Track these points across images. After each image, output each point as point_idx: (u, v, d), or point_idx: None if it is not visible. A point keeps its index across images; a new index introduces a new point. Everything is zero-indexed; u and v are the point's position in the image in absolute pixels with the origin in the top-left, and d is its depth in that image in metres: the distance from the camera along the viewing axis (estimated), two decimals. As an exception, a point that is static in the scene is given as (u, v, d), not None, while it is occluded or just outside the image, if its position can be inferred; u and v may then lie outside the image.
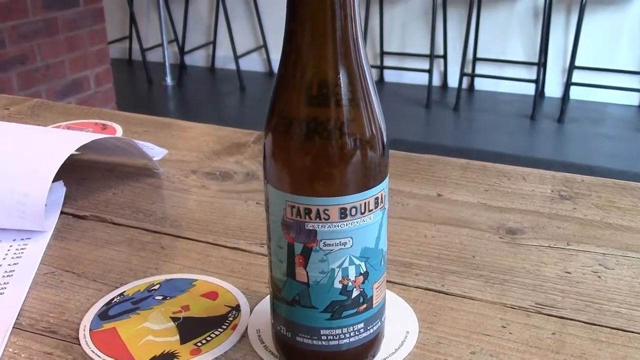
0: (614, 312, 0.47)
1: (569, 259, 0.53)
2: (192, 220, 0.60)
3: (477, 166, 0.70)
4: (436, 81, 3.72)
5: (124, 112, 0.90)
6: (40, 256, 0.55)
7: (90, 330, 0.45)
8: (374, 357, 0.42)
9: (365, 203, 0.36)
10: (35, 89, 2.49)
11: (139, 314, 0.47)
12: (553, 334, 0.44)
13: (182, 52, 4.15)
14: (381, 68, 3.85)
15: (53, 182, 0.58)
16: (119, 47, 4.33)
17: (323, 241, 0.36)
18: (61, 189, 0.65)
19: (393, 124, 2.95)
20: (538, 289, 0.49)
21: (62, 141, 0.62)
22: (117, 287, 0.50)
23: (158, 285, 0.50)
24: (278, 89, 0.36)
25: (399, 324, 0.45)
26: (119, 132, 0.81)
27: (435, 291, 0.49)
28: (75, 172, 0.70)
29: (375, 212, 0.37)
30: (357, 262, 0.37)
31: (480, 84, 3.69)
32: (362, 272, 0.38)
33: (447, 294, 0.49)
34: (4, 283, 0.51)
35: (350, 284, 0.38)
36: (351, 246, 0.37)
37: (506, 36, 3.58)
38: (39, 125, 0.82)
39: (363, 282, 0.38)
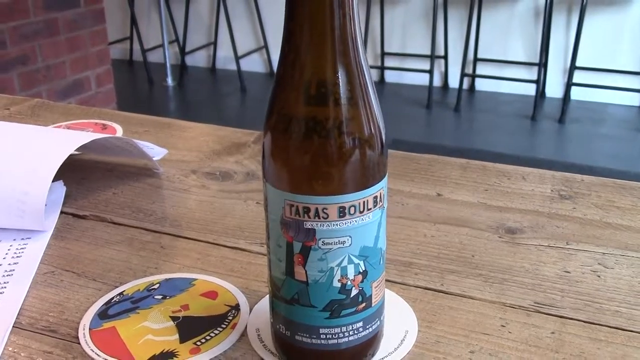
0: (613, 311, 0.47)
1: (569, 258, 0.53)
2: (192, 220, 0.60)
3: (477, 166, 0.70)
4: (437, 82, 3.72)
5: (125, 112, 0.90)
6: (40, 256, 0.55)
7: (89, 329, 0.45)
8: (373, 356, 0.42)
9: (364, 202, 0.36)
10: (36, 89, 2.49)
11: (138, 313, 0.47)
12: (552, 333, 0.44)
13: (182, 52, 4.15)
14: (382, 68, 3.85)
15: (53, 181, 0.58)
16: (120, 48, 4.34)
17: (322, 240, 0.36)
18: (61, 188, 0.65)
19: (394, 124, 2.96)
20: (537, 288, 0.49)
21: (62, 141, 0.63)
22: (116, 287, 0.50)
23: (158, 285, 0.50)
24: (277, 88, 0.36)
25: (398, 323, 0.45)
26: (119, 132, 0.81)
27: (435, 290, 0.49)
28: (75, 172, 0.70)
29: (374, 211, 0.37)
30: (356, 261, 0.37)
31: (481, 85, 3.70)
32: (361, 271, 0.38)
33: (446, 293, 0.49)
34: (4, 282, 0.51)
35: (349, 282, 0.38)
36: (350, 245, 0.37)
37: (507, 37, 3.58)
38: (39, 125, 0.82)
39: (362, 281, 0.38)
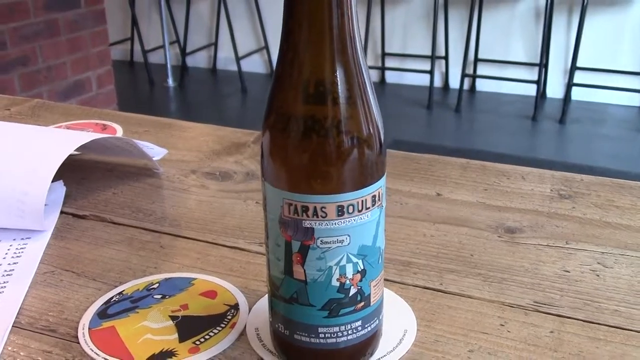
0: (612, 310, 0.47)
1: (568, 257, 0.53)
2: (192, 220, 0.60)
3: (477, 165, 0.70)
4: (437, 82, 3.72)
5: (125, 112, 0.90)
6: (40, 255, 0.55)
7: (89, 328, 0.45)
8: (371, 355, 0.42)
9: (362, 201, 0.36)
10: (36, 90, 2.49)
11: (137, 312, 0.47)
12: (551, 332, 0.44)
13: (183, 53, 4.15)
14: (382, 69, 3.86)
15: (53, 181, 0.58)
16: (121, 49, 4.34)
17: (320, 239, 0.36)
18: (61, 188, 0.65)
19: (394, 125, 2.96)
20: (536, 288, 0.49)
21: (62, 141, 0.63)
22: (116, 286, 0.50)
23: (157, 284, 0.50)
24: (276, 86, 0.36)
25: (397, 322, 0.45)
26: (119, 132, 0.82)
27: (434, 290, 0.49)
28: (75, 172, 0.70)
29: (372, 210, 0.37)
30: (354, 260, 0.37)
31: (481, 85, 3.70)
32: (360, 270, 0.38)
33: (445, 293, 0.49)
34: (4, 282, 0.51)
35: (347, 281, 0.38)
36: (348, 244, 0.37)
37: (507, 37, 3.58)
38: (39, 125, 0.82)
39: (360, 280, 0.38)
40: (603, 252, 0.54)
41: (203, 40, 4.25)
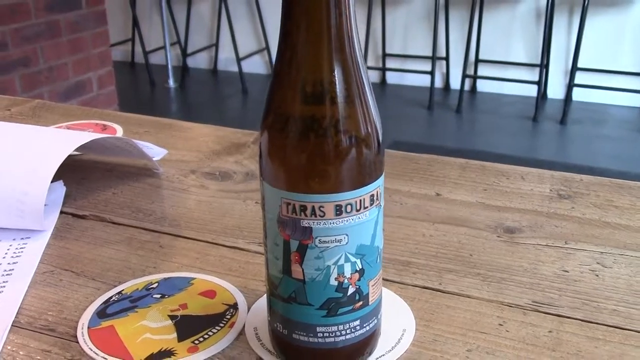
0: (611, 310, 0.47)
1: (567, 257, 0.53)
2: (191, 220, 0.60)
3: (476, 166, 0.70)
4: (438, 83, 3.72)
5: (125, 113, 0.90)
6: (39, 255, 0.55)
7: (88, 328, 0.45)
8: (370, 354, 0.42)
9: (360, 200, 0.36)
10: (38, 91, 2.49)
11: (137, 312, 0.47)
12: (550, 331, 0.44)
13: (184, 54, 4.16)
14: (383, 70, 3.86)
15: (53, 181, 0.58)
16: (122, 50, 4.35)
17: (318, 238, 0.36)
18: (61, 188, 0.66)
19: (395, 125, 2.96)
20: (535, 287, 0.49)
21: (61, 141, 0.63)
22: (115, 286, 0.50)
23: (156, 284, 0.50)
24: (274, 86, 0.36)
25: (396, 321, 0.45)
26: (119, 132, 0.82)
27: (433, 289, 0.49)
28: (75, 172, 0.70)
29: (370, 209, 0.37)
30: (352, 259, 0.37)
31: (482, 86, 3.70)
32: (358, 269, 0.38)
33: (444, 292, 0.49)
34: (3, 282, 0.51)
35: (346, 281, 0.38)
36: (347, 243, 0.37)
37: (508, 38, 3.59)
38: (39, 126, 0.82)
39: (359, 280, 0.38)
40: (602, 252, 0.54)
41: (204, 41, 4.25)
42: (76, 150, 0.65)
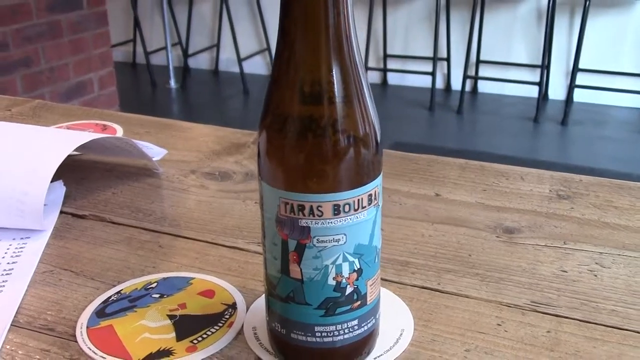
0: (609, 310, 0.47)
1: (566, 257, 0.53)
2: (191, 220, 0.61)
3: (476, 166, 0.70)
4: (439, 84, 3.72)
5: (125, 113, 0.90)
6: (39, 255, 0.55)
7: (87, 327, 0.45)
8: (368, 354, 0.42)
9: (358, 200, 0.37)
10: (39, 91, 2.50)
11: (135, 311, 0.47)
12: (548, 331, 0.44)
13: (185, 55, 4.16)
14: (384, 71, 3.86)
15: (53, 181, 0.58)
16: (124, 51, 4.35)
17: (316, 238, 0.36)
18: (61, 188, 0.66)
19: (396, 126, 2.95)
20: (534, 287, 0.49)
21: (61, 140, 0.63)
22: (114, 286, 0.50)
23: (155, 284, 0.50)
24: (272, 86, 0.36)
25: (395, 321, 0.45)
26: (120, 132, 0.82)
27: (431, 289, 0.49)
28: (75, 172, 0.70)
29: (368, 209, 0.37)
30: (350, 258, 0.38)
31: (483, 87, 3.70)
32: (356, 268, 0.38)
33: (443, 292, 0.49)
34: (3, 281, 0.51)
35: (344, 280, 0.38)
36: (345, 243, 0.37)
37: (509, 39, 3.59)
38: (40, 126, 0.82)
39: (357, 279, 0.38)
40: (601, 253, 0.54)
41: (205, 42, 4.25)
42: (76, 150, 0.65)
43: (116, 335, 0.44)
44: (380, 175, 0.38)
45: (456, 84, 3.66)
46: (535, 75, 3.43)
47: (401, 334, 0.44)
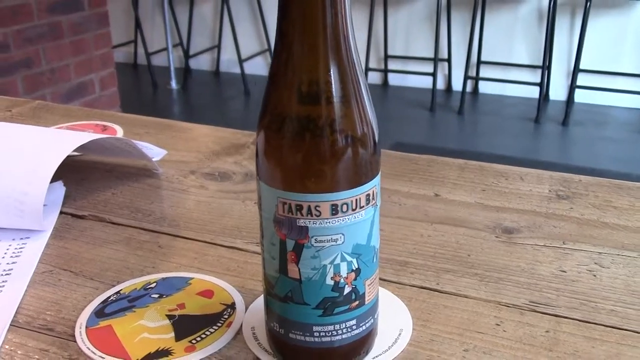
0: (608, 310, 0.47)
1: (565, 257, 0.53)
2: (190, 220, 0.61)
3: (475, 166, 0.70)
4: (440, 84, 3.72)
5: (125, 113, 0.90)
6: (38, 255, 0.55)
7: (86, 327, 0.45)
8: (367, 354, 0.42)
9: (356, 200, 0.37)
10: (40, 92, 2.50)
11: (134, 311, 0.47)
12: (547, 331, 0.44)
13: (187, 56, 4.16)
14: (385, 71, 3.86)
15: (53, 182, 0.58)
16: (125, 51, 4.35)
17: (314, 237, 0.37)
18: (61, 189, 0.66)
19: (397, 127, 2.95)
20: (533, 287, 0.49)
21: (61, 141, 0.63)
22: (114, 286, 0.51)
23: (154, 284, 0.50)
24: (270, 86, 0.37)
25: (393, 321, 0.45)
26: (120, 133, 0.82)
27: (430, 289, 0.49)
28: (75, 173, 0.70)
29: (366, 208, 0.37)
30: (348, 258, 0.38)
31: (484, 87, 3.69)
32: (354, 268, 0.38)
33: (441, 292, 0.49)
34: (2, 281, 0.51)
35: (342, 280, 0.38)
36: (343, 243, 0.37)
37: (510, 39, 3.58)
38: (40, 126, 0.82)
39: (355, 279, 0.38)
40: (600, 253, 0.54)
41: (206, 43, 4.26)
42: (76, 150, 0.66)
43: (115, 335, 0.44)
44: (379, 175, 0.38)
45: (457, 85, 3.65)
46: (536, 76, 3.43)
47: (400, 334, 0.44)
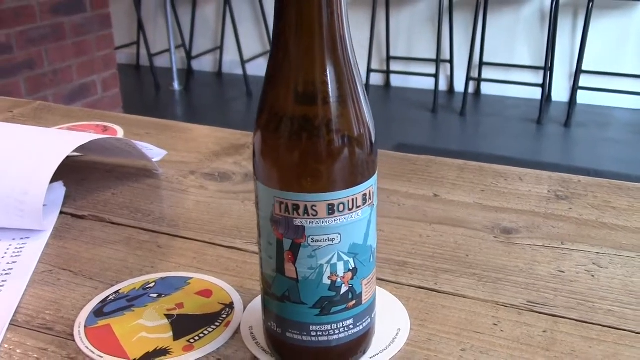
0: (606, 310, 0.47)
1: (563, 258, 0.53)
2: (190, 220, 0.61)
3: (474, 167, 0.70)
4: (443, 86, 3.72)
5: (126, 114, 0.91)
6: (38, 255, 0.55)
7: (85, 326, 0.46)
8: (364, 353, 0.42)
9: (353, 199, 0.37)
10: (42, 93, 2.51)
11: (133, 311, 0.47)
12: (544, 331, 0.44)
13: (189, 57, 4.17)
14: (387, 72, 3.86)
15: (54, 182, 0.59)
16: (127, 53, 4.36)
17: (311, 237, 0.37)
18: (61, 189, 0.66)
19: (399, 128, 2.94)
20: (531, 288, 0.49)
21: (61, 141, 0.63)
22: (113, 285, 0.51)
23: (153, 283, 0.51)
24: (266, 86, 0.37)
25: (391, 321, 0.45)
26: (120, 134, 0.82)
27: (428, 289, 0.49)
28: (75, 173, 0.70)
29: (363, 208, 0.37)
30: (345, 258, 0.38)
31: (486, 89, 3.69)
32: (351, 268, 0.38)
33: (439, 292, 0.49)
34: (2, 281, 0.51)
35: (338, 280, 0.38)
36: (339, 242, 0.37)
37: (513, 40, 3.58)
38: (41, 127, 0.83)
39: (352, 278, 0.38)
40: (598, 253, 0.54)
41: (209, 44, 4.26)
42: (76, 151, 0.66)
43: (114, 335, 0.45)
44: (375, 175, 0.38)
45: (459, 86, 3.65)
46: (538, 77, 3.42)
47: (397, 334, 0.44)
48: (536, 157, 2.88)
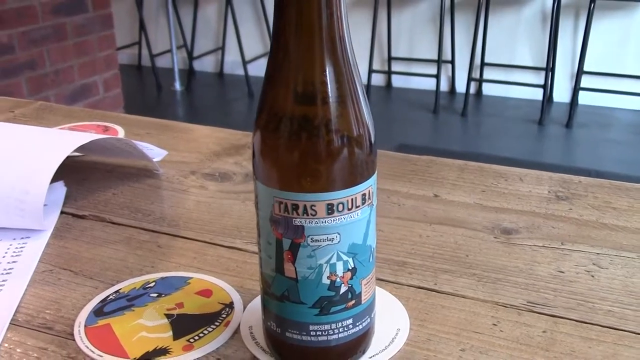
0: (605, 310, 0.47)
1: (563, 258, 0.53)
2: (190, 220, 0.61)
3: (475, 167, 0.70)
4: (444, 86, 3.72)
5: (127, 114, 0.91)
6: (39, 254, 0.55)
7: (85, 326, 0.46)
8: (363, 353, 0.42)
9: (352, 199, 0.37)
10: (44, 93, 2.51)
11: (133, 310, 0.47)
12: (544, 331, 0.44)
13: (191, 57, 4.17)
14: (389, 73, 3.86)
15: (54, 182, 0.59)
16: (129, 53, 4.36)
17: (311, 237, 0.37)
18: (62, 189, 0.66)
19: (401, 129, 2.94)
20: (530, 288, 0.49)
21: (62, 141, 0.63)
22: (113, 285, 0.51)
23: (153, 283, 0.51)
24: (266, 86, 0.37)
25: (391, 321, 0.45)
26: (121, 134, 0.82)
27: (428, 289, 0.49)
28: (76, 173, 0.71)
29: (362, 208, 0.38)
30: (344, 258, 0.38)
31: (488, 89, 3.69)
32: (350, 268, 0.38)
33: (439, 292, 0.49)
34: (3, 280, 0.51)
35: (338, 279, 0.38)
36: (339, 242, 0.37)
37: (514, 41, 3.58)
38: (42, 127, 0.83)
39: (351, 278, 0.38)
40: (598, 253, 0.54)
41: (210, 45, 4.26)
42: (77, 151, 0.66)
43: (114, 334, 0.45)
44: (375, 175, 0.38)
45: (461, 87, 3.65)
46: (539, 78, 3.42)
47: (397, 334, 0.44)
48: (537, 158, 2.88)
